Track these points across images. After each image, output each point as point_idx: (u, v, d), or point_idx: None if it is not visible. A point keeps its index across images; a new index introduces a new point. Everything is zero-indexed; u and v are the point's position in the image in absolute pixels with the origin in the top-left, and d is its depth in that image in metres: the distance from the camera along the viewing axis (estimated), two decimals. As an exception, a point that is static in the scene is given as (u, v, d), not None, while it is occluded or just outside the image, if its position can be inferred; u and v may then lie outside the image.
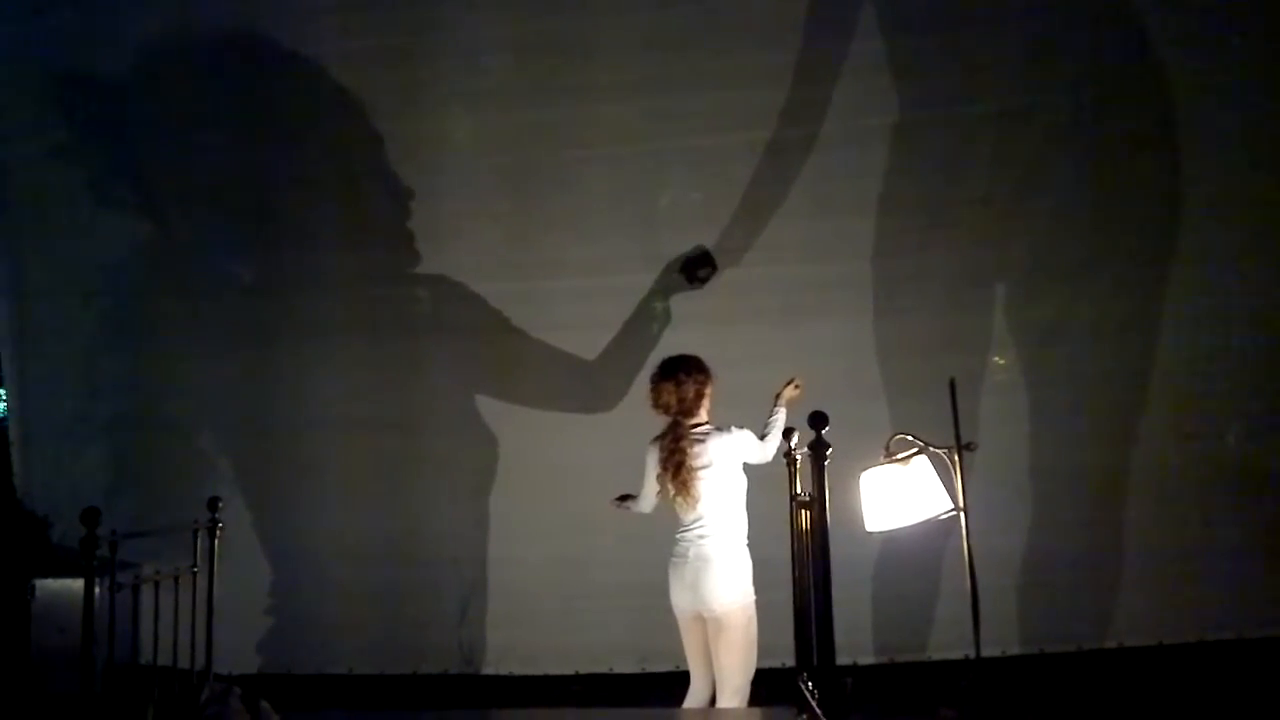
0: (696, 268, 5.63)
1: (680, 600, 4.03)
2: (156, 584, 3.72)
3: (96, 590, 3.36)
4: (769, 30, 5.66)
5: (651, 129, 5.75)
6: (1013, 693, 4.91)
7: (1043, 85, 5.51)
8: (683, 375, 4.10)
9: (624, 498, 4.31)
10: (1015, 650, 5.28)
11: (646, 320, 5.81)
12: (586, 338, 5.72)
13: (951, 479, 3.52)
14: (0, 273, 6.19)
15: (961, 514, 3.49)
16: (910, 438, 3.60)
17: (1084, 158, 5.52)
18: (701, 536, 3.98)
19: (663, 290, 5.77)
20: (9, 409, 6.30)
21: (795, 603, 3.91)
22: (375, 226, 5.93)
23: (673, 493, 4.00)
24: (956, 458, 3.50)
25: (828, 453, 3.23)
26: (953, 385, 3.54)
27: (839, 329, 5.58)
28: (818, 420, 3.24)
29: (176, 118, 6.02)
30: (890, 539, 3.83)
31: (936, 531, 3.71)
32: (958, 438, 3.49)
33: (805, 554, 3.67)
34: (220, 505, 4.18)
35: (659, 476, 4.06)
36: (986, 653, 3.49)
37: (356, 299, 5.92)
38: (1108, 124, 5.50)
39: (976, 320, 5.56)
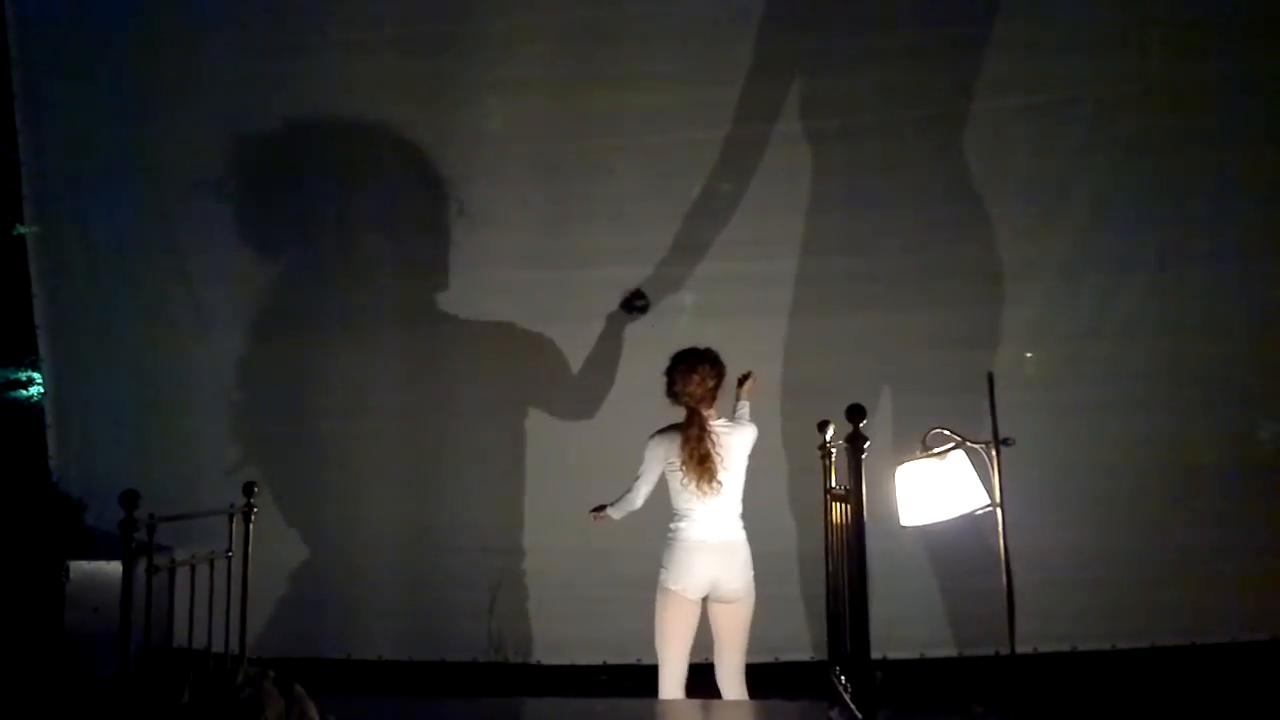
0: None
1: (692, 583, 4.10)
2: (192, 567, 3.74)
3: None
4: (804, 20, 5.65)
5: (685, 119, 5.75)
6: (1044, 690, 4.88)
7: (1084, 77, 5.48)
8: (707, 367, 4.21)
9: (599, 508, 4.44)
10: (1047, 647, 5.23)
11: (677, 311, 5.81)
12: (620, 329, 5.72)
13: (988, 474, 3.50)
14: (37, 259, 6.22)
15: (998, 510, 3.47)
16: (947, 432, 3.58)
17: (1125, 151, 5.47)
18: (724, 525, 4.13)
19: (694, 282, 5.77)
20: (44, 393, 6.34)
21: (828, 596, 3.90)
22: (408, 214, 5.96)
23: (694, 481, 4.07)
24: (994, 453, 3.47)
25: (865, 446, 3.21)
26: (990, 379, 3.52)
27: (875, 322, 5.56)
28: (855, 413, 3.22)
29: (211, 106, 6.04)
30: (922, 534, 3.81)
31: (969, 526, 3.68)
32: (995, 432, 3.47)
33: (840, 548, 3.65)
34: (255, 490, 4.20)
35: (682, 465, 4.11)
36: (1018, 649, 3.46)
37: (389, 286, 5.94)
38: (1150, 117, 5.45)
39: (1013, 314, 5.52)
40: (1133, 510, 5.39)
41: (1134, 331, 5.48)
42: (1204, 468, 5.42)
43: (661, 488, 4.26)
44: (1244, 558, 5.31)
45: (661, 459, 4.21)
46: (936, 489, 3.55)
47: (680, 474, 4.13)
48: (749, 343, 5.59)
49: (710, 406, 4.20)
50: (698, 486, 4.08)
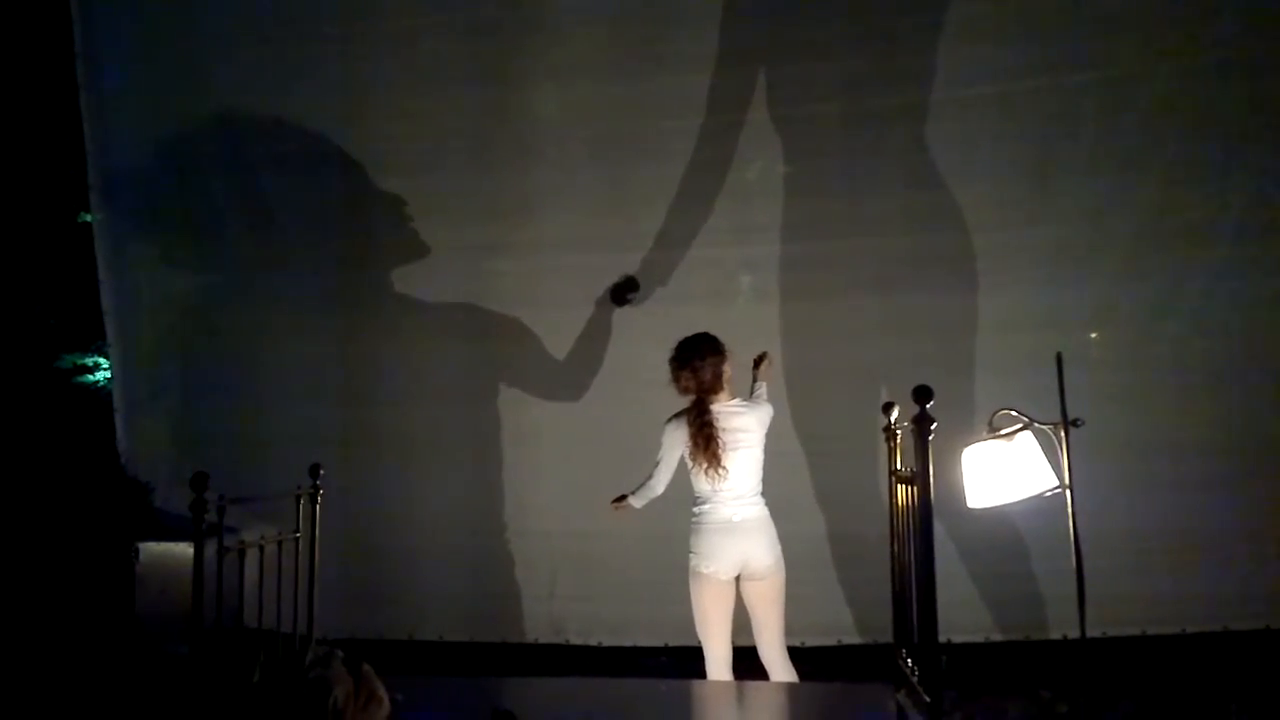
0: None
1: (724, 564, 4.17)
2: (261, 549, 3.79)
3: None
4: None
5: (741, 99, 5.69)
6: (1114, 674, 4.81)
7: (1151, 55, 5.32)
8: (698, 361, 4.28)
9: (620, 498, 4.51)
10: (1116, 631, 5.13)
11: (734, 294, 5.78)
12: (675, 311, 5.65)
13: (1056, 456, 3.45)
14: (103, 246, 6.31)
15: (1068, 491, 3.41)
16: (1014, 413, 3.52)
17: (1193, 129, 5.32)
18: (747, 503, 4.21)
19: (752, 264, 5.73)
20: (111, 378, 6.45)
21: (893, 579, 3.86)
22: (465, 199, 5.96)
23: (705, 466, 4.15)
24: (1063, 434, 3.42)
25: (932, 428, 3.17)
26: (1059, 360, 3.46)
27: (936, 302, 5.49)
28: (922, 394, 3.18)
29: (269, 90, 6.09)
30: (987, 516, 3.75)
31: (1035, 509, 3.63)
32: (1064, 413, 3.42)
33: (906, 530, 3.61)
34: (321, 473, 4.24)
35: (690, 451, 4.20)
36: (1087, 634, 3.41)
37: (447, 271, 5.96)
38: (1218, 94, 5.29)
39: (1079, 294, 5.42)
40: (1205, 493, 5.26)
41: (1208, 308, 5.35)
42: (1276, 451, 5.28)
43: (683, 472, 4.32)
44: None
45: (679, 443, 4.27)
46: (1004, 471, 3.51)
47: (690, 460, 4.22)
48: (808, 324, 5.58)
49: (716, 391, 4.27)
50: (707, 471, 4.16)
